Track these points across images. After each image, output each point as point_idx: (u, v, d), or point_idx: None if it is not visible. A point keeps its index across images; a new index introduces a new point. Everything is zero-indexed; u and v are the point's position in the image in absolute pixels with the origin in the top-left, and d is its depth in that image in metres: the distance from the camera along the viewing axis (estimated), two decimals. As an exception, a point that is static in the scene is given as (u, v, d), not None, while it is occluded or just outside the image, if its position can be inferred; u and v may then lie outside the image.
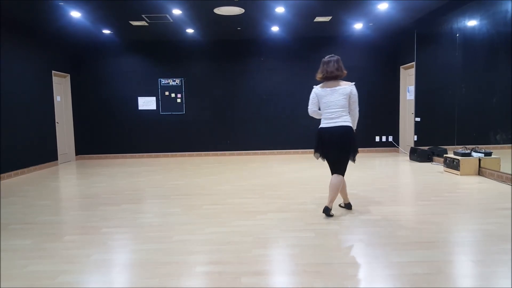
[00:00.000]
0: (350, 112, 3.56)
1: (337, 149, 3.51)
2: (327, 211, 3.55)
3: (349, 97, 3.48)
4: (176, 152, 8.83)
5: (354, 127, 3.57)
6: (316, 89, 3.61)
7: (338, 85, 3.51)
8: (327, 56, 3.59)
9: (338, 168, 3.58)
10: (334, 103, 3.48)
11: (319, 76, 3.58)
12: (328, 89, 3.51)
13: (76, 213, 3.93)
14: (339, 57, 3.56)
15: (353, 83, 3.56)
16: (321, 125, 3.58)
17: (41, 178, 6.19)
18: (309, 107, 3.65)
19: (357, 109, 3.56)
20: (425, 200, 4.13)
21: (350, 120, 3.53)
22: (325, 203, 3.96)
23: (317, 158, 3.72)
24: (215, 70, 8.70)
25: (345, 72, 3.54)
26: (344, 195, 3.79)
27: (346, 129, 3.46)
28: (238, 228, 3.27)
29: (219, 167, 7.02)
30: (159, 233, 3.18)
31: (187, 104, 8.74)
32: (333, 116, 3.49)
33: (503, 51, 5.34)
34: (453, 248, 2.69)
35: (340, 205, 3.93)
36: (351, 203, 3.89)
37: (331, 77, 3.50)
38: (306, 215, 3.61)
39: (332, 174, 3.63)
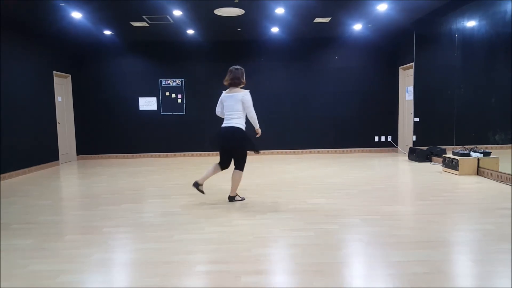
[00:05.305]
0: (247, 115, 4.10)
1: (230, 146, 4.07)
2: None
3: (242, 102, 4.02)
4: (176, 152, 8.85)
5: (256, 126, 4.16)
6: (223, 94, 4.20)
7: (236, 92, 4.08)
8: (234, 67, 4.17)
9: (235, 162, 4.13)
10: (230, 107, 4.07)
11: (226, 82, 4.14)
12: (228, 94, 4.10)
13: (76, 212, 3.94)
14: (243, 70, 4.20)
15: (248, 91, 4.09)
16: (222, 125, 4.16)
17: (42, 178, 6.20)
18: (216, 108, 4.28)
19: (253, 112, 4.07)
20: (424, 200, 4.14)
21: (240, 122, 4.06)
22: (325, 203, 4.10)
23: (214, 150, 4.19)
24: (216, 70, 8.70)
25: (244, 81, 4.12)
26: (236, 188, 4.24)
27: (235, 129, 4.03)
28: (238, 228, 3.28)
29: (219, 167, 7.02)
30: (160, 233, 3.19)
31: (187, 104, 8.76)
32: (228, 118, 4.10)
33: (502, 51, 5.36)
34: (453, 248, 2.70)
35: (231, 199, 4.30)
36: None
37: (233, 84, 4.09)
38: (306, 215, 3.63)
39: (222, 165, 4.18)
